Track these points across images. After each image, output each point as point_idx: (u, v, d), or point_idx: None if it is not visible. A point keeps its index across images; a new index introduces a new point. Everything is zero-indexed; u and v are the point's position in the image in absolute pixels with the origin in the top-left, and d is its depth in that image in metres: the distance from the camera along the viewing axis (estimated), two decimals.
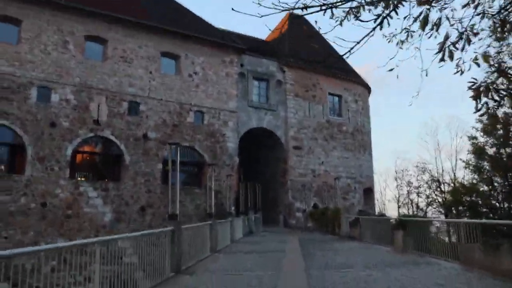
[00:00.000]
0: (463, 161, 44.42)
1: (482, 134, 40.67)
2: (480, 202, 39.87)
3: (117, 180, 25.69)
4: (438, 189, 52.17)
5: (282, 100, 34.15)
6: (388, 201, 74.12)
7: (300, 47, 37.18)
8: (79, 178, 24.99)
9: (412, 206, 57.26)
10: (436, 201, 52.47)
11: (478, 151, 40.87)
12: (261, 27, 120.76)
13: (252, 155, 36.56)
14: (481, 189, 40.85)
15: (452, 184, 49.06)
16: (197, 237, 12.82)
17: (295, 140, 33.70)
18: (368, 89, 40.67)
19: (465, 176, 48.05)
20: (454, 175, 49.74)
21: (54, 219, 22.72)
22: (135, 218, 25.17)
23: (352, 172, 36.01)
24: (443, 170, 51.78)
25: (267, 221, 32.18)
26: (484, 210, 40.61)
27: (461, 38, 4.87)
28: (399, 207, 58.45)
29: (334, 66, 37.59)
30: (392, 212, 58.84)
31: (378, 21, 5.13)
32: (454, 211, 45.44)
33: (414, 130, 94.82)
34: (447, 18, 4.99)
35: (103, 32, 26.69)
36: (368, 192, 38.03)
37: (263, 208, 30.14)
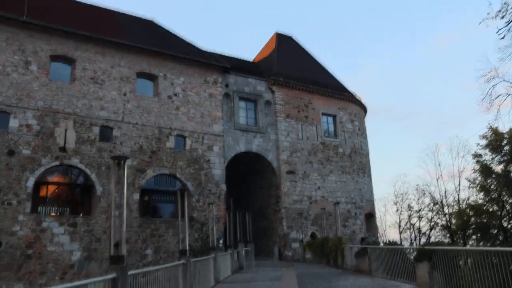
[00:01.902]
0: (469, 180, 41.70)
1: (488, 151, 38.06)
2: (492, 223, 36.89)
3: (87, 213, 22.67)
4: (441, 212, 49.22)
5: (272, 122, 31.50)
6: (388, 226, 71.03)
7: (289, 66, 34.93)
8: (46, 214, 21.92)
9: (414, 230, 54.36)
10: (439, 224, 49.56)
11: (484, 169, 38.20)
12: (248, 49, 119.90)
13: (241, 182, 33.72)
14: (490, 209, 37.98)
15: (456, 206, 46.18)
16: (163, 282, 9.82)
17: (288, 165, 30.90)
18: (364, 108, 38.17)
19: (469, 197, 45.40)
20: (458, 196, 46.93)
21: (11, 261, 19.52)
22: (108, 256, 21.94)
23: (351, 197, 33.12)
24: (445, 192, 48.94)
25: (260, 253, 29.09)
26: (495, 232, 37.81)
27: None
28: (400, 232, 55.47)
29: (327, 84, 35.33)
30: (393, 238, 55.83)
31: None
32: (460, 234, 42.57)
33: (413, 154, 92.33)
34: None
35: (71, 51, 24.16)
36: (369, 217, 35.05)
37: (255, 239, 27.05)
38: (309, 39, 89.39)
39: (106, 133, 24.05)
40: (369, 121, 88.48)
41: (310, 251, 25.48)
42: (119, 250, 7.72)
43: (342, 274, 16.63)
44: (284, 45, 38.27)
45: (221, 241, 24.92)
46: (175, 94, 27.09)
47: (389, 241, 22.61)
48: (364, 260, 16.48)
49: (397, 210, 55.28)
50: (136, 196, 23.88)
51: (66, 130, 22.73)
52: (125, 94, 25.18)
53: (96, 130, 23.65)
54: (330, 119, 34.67)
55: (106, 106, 24.34)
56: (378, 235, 40.01)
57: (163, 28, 31.43)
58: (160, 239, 23.75)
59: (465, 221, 39.32)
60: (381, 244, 25.93)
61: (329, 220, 28.97)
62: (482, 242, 37.13)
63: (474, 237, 41.17)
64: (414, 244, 49.57)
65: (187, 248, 12.33)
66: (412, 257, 12.68)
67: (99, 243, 21.93)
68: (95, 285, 6.91)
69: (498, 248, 8.48)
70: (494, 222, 37.17)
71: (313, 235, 29.95)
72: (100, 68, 24.79)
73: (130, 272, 7.66)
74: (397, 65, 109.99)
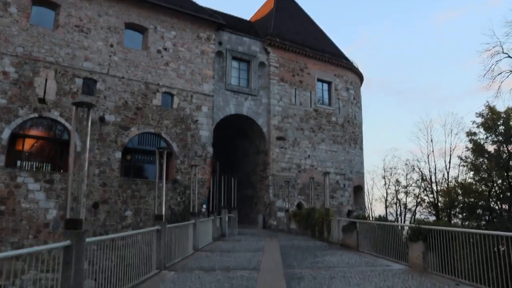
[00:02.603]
0: (461, 158, 41.05)
1: (482, 129, 37.29)
2: (480, 203, 36.43)
3: (65, 170, 21.58)
4: (428, 188, 48.76)
5: (265, 84, 30.29)
6: (375, 200, 70.97)
7: (286, 28, 33.45)
8: (23, 169, 20.80)
9: (400, 206, 54.05)
10: (425, 201, 49.17)
11: (477, 147, 37.50)
12: (245, 9, 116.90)
13: (229, 146, 32.76)
14: (479, 189, 37.49)
15: (445, 184, 45.73)
16: (134, 250, 8.89)
17: (278, 130, 29.89)
18: (360, 77, 36.97)
19: (459, 175, 44.92)
20: (448, 174, 46.41)
21: None
22: (86, 216, 20.96)
23: (341, 168, 32.35)
24: (435, 169, 48.38)
25: (243, 221, 28.40)
26: (481, 212, 37.44)
27: None
28: (386, 207, 55.22)
29: (325, 50, 34.01)
30: (379, 212, 55.66)
31: None
32: (446, 212, 42.21)
33: (406, 128, 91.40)
34: None
35: None
36: (358, 190, 34.40)
37: (239, 206, 26.27)
38: (308, 2, 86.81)
39: (89, 86, 22.80)
40: (363, 91, 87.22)
41: (296, 222, 24.78)
42: (77, 212, 6.64)
43: (328, 248, 15.89)
44: (283, 5, 36.68)
45: (204, 206, 24.12)
46: (165, 49, 25.72)
47: (380, 216, 21.82)
48: (352, 234, 15.70)
49: (385, 184, 54.90)
50: (118, 155, 22.81)
51: (46, 80, 21.42)
52: (111, 46, 23.77)
53: (79, 82, 22.37)
54: (326, 85, 33.53)
55: (91, 56, 22.96)
56: (366, 209, 39.50)
57: None
58: (141, 201, 22.85)
59: (452, 200, 38.87)
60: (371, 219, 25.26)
61: (317, 190, 28.28)
62: (467, 222, 36.80)
63: (460, 216, 40.84)
64: (399, 220, 49.40)
65: (163, 213, 11.42)
66: (404, 235, 11.88)
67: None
68: (44, 254, 5.93)
69: (507, 233, 7.60)
70: (481, 202, 36.73)
71: (299, 205, 29.27)
72: (86, 15, 23.27)
73: (88, 240, 6.62)
74: (395, 38, 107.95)
